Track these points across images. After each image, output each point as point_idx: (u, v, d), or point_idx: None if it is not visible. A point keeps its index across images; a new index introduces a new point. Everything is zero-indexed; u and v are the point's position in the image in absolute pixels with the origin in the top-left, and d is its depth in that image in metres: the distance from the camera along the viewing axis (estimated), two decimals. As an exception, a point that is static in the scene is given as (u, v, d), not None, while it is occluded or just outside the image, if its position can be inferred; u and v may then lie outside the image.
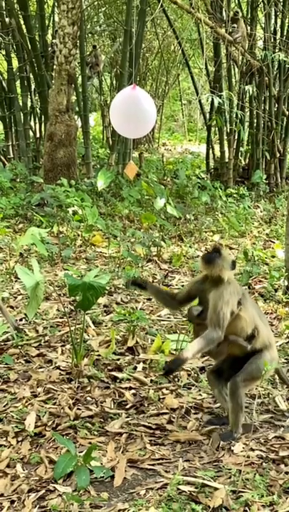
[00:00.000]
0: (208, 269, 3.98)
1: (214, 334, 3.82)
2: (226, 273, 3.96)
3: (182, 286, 6.81)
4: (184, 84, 24.94)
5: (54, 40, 12.67)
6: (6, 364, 4.89)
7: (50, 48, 13.30)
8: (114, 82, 19.72)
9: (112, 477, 3.53)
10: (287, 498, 3.32)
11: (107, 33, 19.85)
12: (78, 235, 8.69)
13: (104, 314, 6.12)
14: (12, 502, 3.34)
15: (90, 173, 12.33)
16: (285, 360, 5.20)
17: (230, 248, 8.81)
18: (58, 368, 4.89)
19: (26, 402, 4.34)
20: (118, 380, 4.73)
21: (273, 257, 8.15)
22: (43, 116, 13.23)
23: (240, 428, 3.99)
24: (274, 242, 9.18)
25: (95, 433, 4.00)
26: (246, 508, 3.23)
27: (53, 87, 10.67)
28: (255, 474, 3.51)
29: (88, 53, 15.94)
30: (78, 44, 10.82)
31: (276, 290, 6.80)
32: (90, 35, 18.31)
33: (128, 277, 4.20)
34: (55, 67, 10.61)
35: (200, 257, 4.17)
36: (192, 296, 4.18)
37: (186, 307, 4.34)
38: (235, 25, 12.46)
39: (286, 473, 3.57)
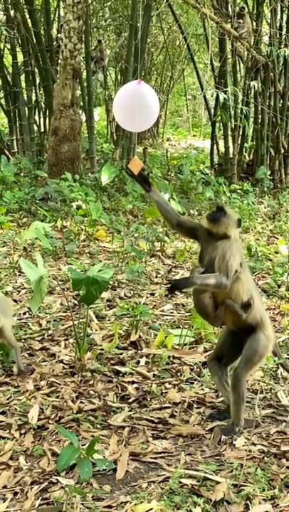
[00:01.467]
0: (214, 227, 3.97)
1: (223, 279, 3.80)
2: (232, 230, 3.99)
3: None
4: (189, 79, 24.90)
5: (59, 35, 12.66)
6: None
7: (55, 43, 13.29)
8: (119, 76, 19.71)
9: (115, 470, 3.56)
10: (288, 493, 3.34)
11: (112, 27, 19.83)
12: (82, 230, 8.70)
13: (108, 309, 6.14)
14: (15, 494, 3.36)
15: (94, 168, 12.34)
16: (288, 356, 5.22)
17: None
18: (61, 361, 4.91)
19: (30, 395, 4.36)
20: (121, 374, 4.75)
21: (277, 252, 8.15)
22: (47, 111, 13.23)
23: (242, 421, 4.01)
24: (277, 238, 9.18)
25: (98, 426, 4.02)
26: (247, 502, 3.25)
27: (58, 81, 10.68)
28: (256, 468, 3.52)
29: (93, 48, 15.94)
30: (83, 38, 10.85)
31: (279, 286, 6.81)
32: (95, 29, 18.29)
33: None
34: (60, 61, 10.61)
35: (204, 217, 4.13)
36: (192, 232, 4.15)
37: (180, 233, 4.29)
38: (240, 20, 12.44)
39: (287, 467, 3.59)
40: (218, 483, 3.39)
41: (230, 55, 13.44)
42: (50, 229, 7.25)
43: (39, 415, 4.10)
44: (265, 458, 3.69)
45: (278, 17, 13.82)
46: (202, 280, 3.81)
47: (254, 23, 13.26)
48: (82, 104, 12.70)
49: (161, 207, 4.18)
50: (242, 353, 4.02)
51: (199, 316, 4.45)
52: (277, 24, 13.58)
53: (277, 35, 13.15)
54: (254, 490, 3.32)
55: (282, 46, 12.90)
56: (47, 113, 13.40)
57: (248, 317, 3.99)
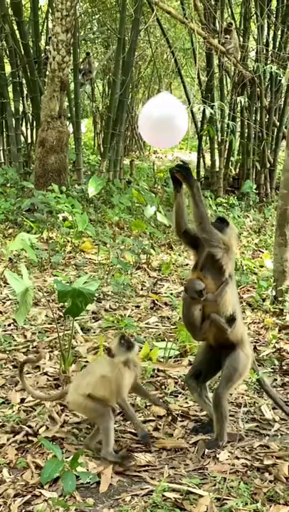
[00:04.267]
0: None
1: (217, 245, 3.94)
2: (234, 242, 4.10)
3: (171, 294, 6.85)
4: (176, 92, 24.98)
5: (47, 47, 12.71)
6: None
7: (43, 54, 13.35)
8: (106, 89, 19.78)
9: (98, 483, 3.55)
10: (270, 507, 3.35)
11: (100, 40, 19.92)
12: (68, 241, 8.71)
13: (93, 321, 6.14)
14: (-2, 506, 3.35)
15: (80, 180, 12.37)
16: (272, 370, 5.25)
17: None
18: (45, 373, 4.91)
19: (14, 407, 4.35)
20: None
21: (262, 266, 8.20)
22: (34, 122, 13.25)
23: (225, 437, 4.03)
24: (263, 252, 9.24)
25: (82, 439, 4.02)
26: (230, 516, 3.26)
27: (46, 93, 10.71)
28: (239, 482, 3.54)
29: (81, 60, 16.00)
30: (72, 51, 10.88)
31: (264, 300, 6.85)
32: (83, 42, 18.37)
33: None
34: (48, 73, 10.65)
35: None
36: (194, 241, 4.16)
37: (184, 240, 4.32)
38: (228, 36, 12.55)
39: (270, 481, 3.60)
40: (201, 496, 3.40)
41: (217, 70, 13.55)
42: (36, 240, 7.22)
43: (23, 427, 4.09)
44: (248, 472, 3.70)
45: (265, 33, 13.96)
46: (200, 193, 3.99)
47: (241, 39, 13.39)
48: (69, 115, 12.75)
49: (179, 210, 4.21)
50: (222, 372, 4.07)
51: (184, 329, 4.47)
52: (264, 40, 13.73)
53: (264, 51, 13.28)
54: (237, 504, 3.33)
55: (269, 62, 13.03)
56: (34, 124, 13.42)
57: (232, 333, 4.03)
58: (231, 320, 4.03)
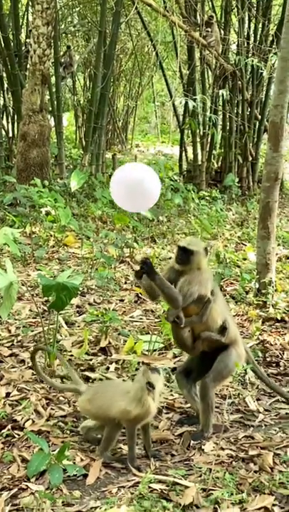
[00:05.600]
0: (186, 267, 4.07)
1: (179, 298, 3.94)
2: (202, 263, 4.10)
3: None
4: (158, 86, 25.02)
5: (28, 40, 12.64)
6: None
7: (24, 48, 13.26)
8: (87, 82, 19.72)
9: (85, 476, 3.56)
10: (256, 497, 3.38)
11: (81, 33, 19.83)
12: (51, 236, 8.69)
13: (77, 315, 6.15)
14: (-16, 501, 3.35)
15: (62, 174, 12.33)
16: (256, 362, 5.28)
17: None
18: (30, 367, 4.89)
19: (-1, 401, 4.35)
20: (91, 380, 4.76)
21: (245, 259, 8.24)
22: (15, 116, 13.18)
23: (211, 428, 4.06)
24: (245, 245, 9.28)
25: (68, 432, 4.02)
26: (216, 506, 3.29)
27: (27, 86, 10.67)
28: (225, 473, 3.56)
29: (62, 53, 15.93)
30: (52, 44, 10.83)
31: (247, 292, 6.89)
32: (64, 35, 18.28)
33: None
34: (29, 66, 10.60)
35: (174, 261, 4.16)
36: (172, 282, 4.14)
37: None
38: (209, 29, 12.58)
39: (255, 471, 3.64)
40: (187, 487, 3.42)
41: (198, 63, 13.58)
42: (18, 235, 7.22)
43: (8, 422, 4.09)
44: (234, 462, 3.74)
45: (246, 26, 14.01)
46: (163, 284, 3.92)
47: (222, 32, 13.41)
48: (50, 109, 12.69)
49: (150, 290, 4.17)
50: (213, 366, 4.10)
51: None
52: (245, 33, 13.77)
53: (245, 44, 13.32)
54: (222, 494, 3.35)
55: (250, 55, 13.07)
56: (15, 118, 13.35)
57: (226, 339, 4.11)
58: (224, 329, 4.09)
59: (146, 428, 3.83)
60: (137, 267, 4.19)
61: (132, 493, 3.37)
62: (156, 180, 4.09)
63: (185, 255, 4.06)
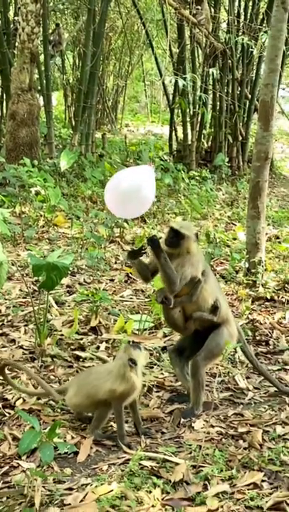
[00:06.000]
0: (175, 251, 4.07)
1: (177, 281, 3.96)
2: (192, 247, 4.09)
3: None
4: (148, 65, 24.86)
5: (16, 18, 12.48)
6: None
7: (12, 26, 13.11)
8: (77, 61, 19.56)
9: (76, 453, 3.59)
10: (245, 473, 3.42)
11: (70, 11, 19.63)
12: (41, 216, 8.66)
13: (68, 294, 6.15)
14: (-24, 478, 3.37)
15: (52, 153, 12.26)
16: (246, 340, 5.31)
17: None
18: (21, 347, 4.91)
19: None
20: (81, 360, 4.78)
21: (235, 239, 8.26)
22: (4, 95, 13.07)
23: (201, 406, 4.10)
24: (235, 225, 9.30)
25: (59, 411, 4.05)
26: (206, 482, 3.32)
27: (16, 65, 10.57)
28: (214, 450, 3.60)
29: (51, 31, 15.76)
30: (41, 22, 10.71)
31: (237, 272, 6.91)
32: (52, 13, 18.08)
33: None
34: (17, 45, 10.50)
35: (164, 243, 4.12)
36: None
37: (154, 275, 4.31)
38: (199, 7, 12.47)
39: (244, 448, 3.68)
40: (177, 464, 3.45)
41: (188, 42, 13.48)
42: (8, 214, 7.14)
43: (-1, 401, 4.11)
44: (223, 439, 3.77)
45: (236, 4, 13.90)
46: (167, 264, 3.93)
47: (212, 10, 13.31)
48: (39, 88, 12.58)
49: (141, 270, 4.24)
50: (204, 344, 4.13)
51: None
52: (235, 11, 13.66)
53: (235, 23, 13.23)
54: (212, 471, 3.39)
55: (240, 34, 12.99)
56: (4, 97, 13.23)
57: (218, 318, 4.14)
58: (215, 308, 4.12)
59: (134, 405, 3.85)
60: (128, 248, 4.20)
61: (122, 470, 3.40)
62: (151, 187, 4.02)
63: (176, 238, 4.06)
